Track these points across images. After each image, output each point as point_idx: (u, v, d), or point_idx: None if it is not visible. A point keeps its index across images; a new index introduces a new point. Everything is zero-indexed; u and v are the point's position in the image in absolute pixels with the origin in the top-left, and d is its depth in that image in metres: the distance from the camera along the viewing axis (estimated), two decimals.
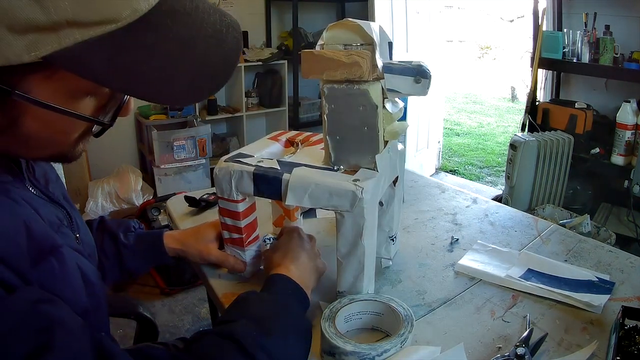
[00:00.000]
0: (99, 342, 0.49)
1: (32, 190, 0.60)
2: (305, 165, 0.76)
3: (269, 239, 0.97)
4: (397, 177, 0.86)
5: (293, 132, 0.95)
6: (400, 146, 0.86)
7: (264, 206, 0.97)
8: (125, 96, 0.56)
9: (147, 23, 0.46)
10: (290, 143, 0.92)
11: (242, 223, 0.80)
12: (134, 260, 0.88)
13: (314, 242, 0.84)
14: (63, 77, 0.46)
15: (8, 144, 0.52)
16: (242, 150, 0.84)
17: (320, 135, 0.92)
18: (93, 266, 0.65)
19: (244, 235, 0.82)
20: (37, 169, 0.65)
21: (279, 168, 0.75)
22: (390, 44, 0.76)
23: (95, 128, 0.57)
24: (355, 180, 0.70)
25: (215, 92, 0.54)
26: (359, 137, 0.73)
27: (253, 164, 0.76)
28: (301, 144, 0.90)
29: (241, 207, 0.79)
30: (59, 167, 1.51)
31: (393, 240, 0.91)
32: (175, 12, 0.48)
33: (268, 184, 0.74)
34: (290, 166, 0.75)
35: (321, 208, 0.73)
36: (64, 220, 0.64)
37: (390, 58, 0.76)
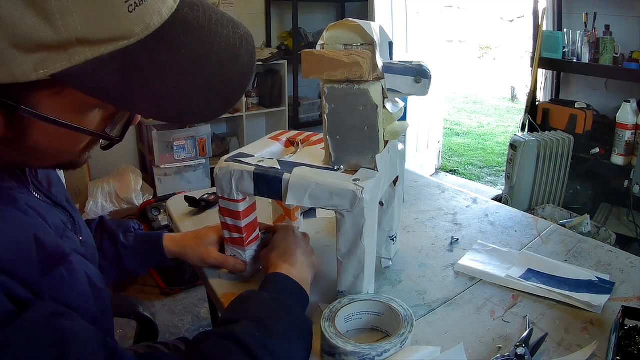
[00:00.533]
0: (112, 350, 0.49)
1: (37, 195, 0.60)
2: (306, 165, 0.76)
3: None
4: (397, 177, 0.86)
5: (293, 132, 0.95)
6: (400, 146, 0.86)
7: (264, 206, 0.98)
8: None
9: (160, 39, 0.45)
10: (290, 143, 0.92)
11: (243, 223, 0.80)
12: (133, 261, 0.88)
13: (307, 239, 0.85)
14: (71, 93, 0.45)
15: (15, 155, 0.51)
16: (243, 150, 0.84)
17: (321, 135, 0.92)
18: (96, 269, 0.65)
19: (244, 235, 0.82)
20: (39, 172, 0.65)
21: (280, 168, 0.75)
22: (390, 44, 0.76)
23: (103, 141, 0.56)
24: (355, 180, 0.70)
25: (229, 110, 0.54)
26: (360, 137, 0.73)
27: (253, 163, 0.76)
28: (301, 144, 0.90)
29: (242, 207, 0.79)
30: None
31: (393, 240, 0.91)
32: (188, 26, 0.47)
33: (268, 183, 0.74)
34: (290, 166, 0.75)
35: (321, 208, 0.73)
36: (68, 224, 0.64)
37: (391, 58, 0.76)
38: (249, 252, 0.84)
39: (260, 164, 0.76)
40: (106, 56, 0.42)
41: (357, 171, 0.74)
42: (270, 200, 0.99)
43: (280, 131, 0.96)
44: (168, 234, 0.90)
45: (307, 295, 0.74)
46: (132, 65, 0.44)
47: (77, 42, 0.41)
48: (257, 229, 0.85)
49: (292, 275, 0.73)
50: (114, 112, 0.53)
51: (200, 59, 0.47)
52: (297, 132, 0.96)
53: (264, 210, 0.96)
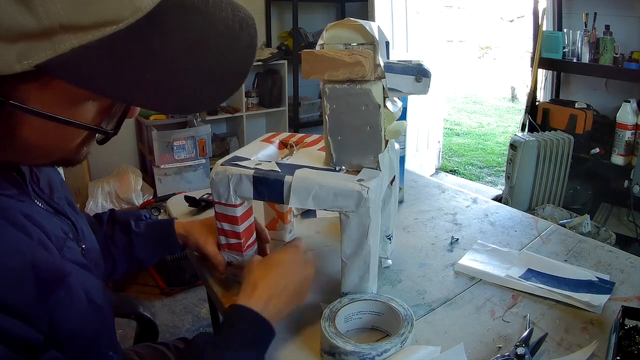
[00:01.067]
0: None
1: (38, 203, 0.59)
2: (306, 167, 0.76)
3: None
4: (394, 176, 0.86)
5: (285, 134, 0.95)
6: (396, 145, 0.86)
7: (256, 209, 0.95)
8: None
9: (152, 23, 0.42)
10: (283, 145, 0.92)
11: (240, 228, 0.79)
12: (145, 248, 0.87)
13: (309, 269, 0.75)
14: (61, 85, 0.43)
15: (7, 154, 0.50)
16: (237, 153, 0.83)
17: (315, 136, 0.92)
18: (98, 279, 0.64)
19: (242, 240, 0.80)
20: (41, 178, 0.63)
21: (280, 170, 0.75)
22: (387, 44, 0.76)
23: (99, 135, 0.53)
24: (359, 180, 0.70)
25: (228, 98, 0.48)
26: (362, 137, 0.73)
27: (251, 167, 0.76)
28: (295, 146, 0.90)
29: (239, 212, 0.78)
30: (59, 168, 1.51)
31: (390, 239, 0.91)
32: (183, 9, 0.44)
33: (269, 187, 0.73)
34: (290, 168, 0.75)
35: (325, 209, 0.73)
36: (70, 233, 0.62)
37: (387, 58, 0.76)
38: (247, 258, 0.82)
39: (258, 167, 0.76)
40: (93, 43, 0.40)
41: (359, 171, 0.74)
42: (262, 203, 0.98)
43: (272, 133, 0.96)
44: (178, 221, 0.90)
45: (273, 329, 0.66)
46: (121, 53, 0.41)
47: (61, 29, 0.39)
48: (254, 233, 0.84)
49: (260, 307, 0.66)
50: (110, 105, 0.51)
51: (196, 44, 0.44)
52: (289, 134, 0.96)
53: (256, 214, 0.92)
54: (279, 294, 0.69)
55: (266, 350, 0.66)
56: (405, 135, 1.10)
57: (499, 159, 4.23)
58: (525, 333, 0.70)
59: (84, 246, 0.66)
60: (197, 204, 1.18)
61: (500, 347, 0.69)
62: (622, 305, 0.70)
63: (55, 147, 0.51)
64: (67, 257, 0.57)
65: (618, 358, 0.62)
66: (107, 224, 0.87)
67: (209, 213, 1.15)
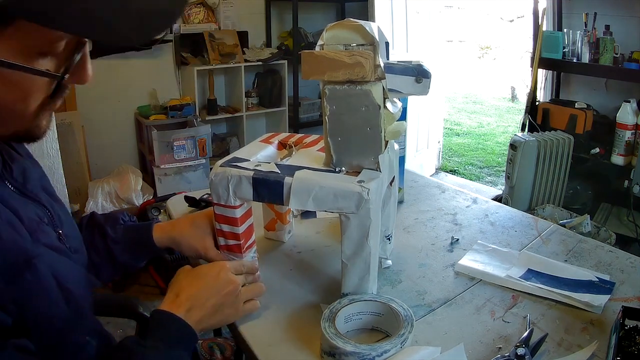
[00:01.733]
0: None
1: (11, 187, 0.61)
2: (306, 168, 0.75)
3: None
4: (394, 176, 0.86)
5: (284, 134, 0.95)
6: (395, 146, 0.86)
7: (255, 210, 0.95)
8: (80, 55, 0.55)
9: None
10: (282, 145, 0.92)
11: (240, 229, 0.79)
12: (124, 254, 0.84)
13: (231, 286, 0.73)
14: (15, 35, 0.46)
15: None
16: (236, 154, 0.83)
17: (314, 137, 0.92)
18: (77, 265, 0.64)
19: (241, 242, 0.80)
20: (15, 169, 0.65)
21: (279, 172, 0.74)
22: (387, 44, 0.76)
23: (53, 87, 0.55)
24: (360, 182, 0.70)
25: (165, 30, 0.57)
26: (362, 137, 0.73)
27: (251, 168, 0.76)
28: (295, 146, 0.89)
29: (239, 213, 0.77)
30: (58, 167, 1.51)
31: (389, 240, 0.91)
32: None
33: (269, 188, 0.73)
34: (290, 169, 0.75)
35: (325, 211, 0.73)
36: (44, 218, 0.64)
37: (387, 58, 0.76)
38: (245, 259, 0.82)
39: (258, 168, 0.76)
40: None
41: (359, 172, 0.74)
42: (261, 204, 0.97)
43: (271, 133, 0.96)
44: (159, 223, 0.87)
45: (195, 333, 0.68)
46: None
47: None
48: (254, 235, 0.83)
49: (182, 316, 0.67)
50: (61, 62, 0.53)
51: None
52: (287, 134, 0.96)
53: (255, 214, 0.91)
54: (200, 305, 0.70)
55: (190, 351, 0.67)
56: (405, 135, 1.10)
57: (499, 159, 4.23)
58: (526, 333, 0.69)
59: (60, 231, 0.67)
60: (197, 204, 1.18)
61: (500, 348, 0.69)
62: (622, 306, 0.69)
63: (13, 110, 0.53)
64: (41, 240, 0.59)
65: (618, 358, 0.62)
66: (86, 228, 0.85)
67: None
